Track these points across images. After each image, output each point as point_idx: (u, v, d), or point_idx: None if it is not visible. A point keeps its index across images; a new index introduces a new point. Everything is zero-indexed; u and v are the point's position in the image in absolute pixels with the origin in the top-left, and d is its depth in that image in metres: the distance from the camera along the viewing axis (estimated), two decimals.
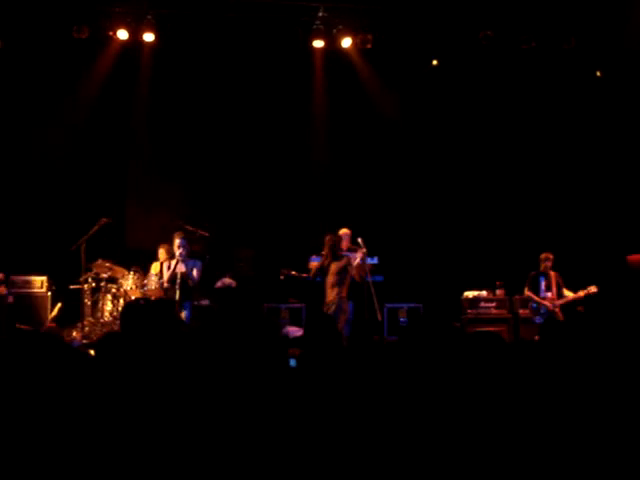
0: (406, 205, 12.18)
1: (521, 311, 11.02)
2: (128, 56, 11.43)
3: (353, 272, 9.48)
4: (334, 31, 11.38)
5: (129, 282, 10.16)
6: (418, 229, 12.08)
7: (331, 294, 9.52)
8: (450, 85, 12.05)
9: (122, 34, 11.09)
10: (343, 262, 9.51)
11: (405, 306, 10.73)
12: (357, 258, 9.65)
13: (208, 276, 10.62)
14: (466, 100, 12.09)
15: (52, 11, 10.73)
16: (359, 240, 10.06)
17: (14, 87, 11.36)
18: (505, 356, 3.24)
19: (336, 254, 9.54)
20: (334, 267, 9.50)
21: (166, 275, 9.26)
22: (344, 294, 9.57)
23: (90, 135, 11.65)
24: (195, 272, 9.23)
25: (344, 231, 10.49)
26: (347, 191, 12.07)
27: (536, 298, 10.23)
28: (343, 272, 9.48)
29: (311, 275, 9.92)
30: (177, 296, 8.98)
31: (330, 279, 9.52)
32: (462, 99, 12.08)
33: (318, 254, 10.23)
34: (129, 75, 11.65)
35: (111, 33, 11.10)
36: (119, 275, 10.37)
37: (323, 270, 9.66)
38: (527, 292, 10.37)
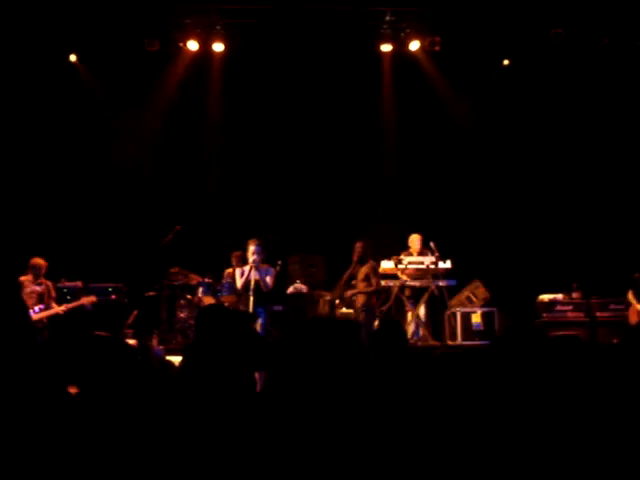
0: (479, 208, 12.00)
1: (599, 314, 10.73)
2: (198, 66, 11.63)
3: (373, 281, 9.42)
4: (401, 35, 11.36)
5: (203, 289, 10.30)
6: (491, 232, 11.88)
7: (359, 300, 9.53)
8: (522, 85, 11.85)
9: (192, 45, 11.29)
10: (367, 267, 9.48)
11: (479, 310, 10.55)
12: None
13: (280, 282, 10.69)
14: (539, 99, 11.86)
15: (124, 25, 11.00)
16: (431, 244, 9.99)
17: (89, 100, 11.67)
18: (589, 361, 3.16)
19: (364, 259, 9.52)
20: (361, 273, 9.50)
21: (239, 282, 9.30)
22: (373, 300, 9.55)
23: (164, 144, 11.90)
24: (269, 279, 9.22)
25: (414, 236, 10.48)
26: (419, 195, 11.98)
27: (633, 302, 9.93)
28: (368, 278, 9.45)
29: (342, 283, 9.94)
30: (251, 302, 9.02)
31: (359, 285, 9.53)
32: (534, 98, 11.86)
33: (390, 258, 10.20)
34: (200, 85, 11.85)
35: (182, 44, 11.34)
36: (193, 282, 10.53)
37: (353, 277, 9.69)
38: (629, 295, 10.05)
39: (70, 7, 10.49)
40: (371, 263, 9.52)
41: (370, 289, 9.42)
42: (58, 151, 11.50)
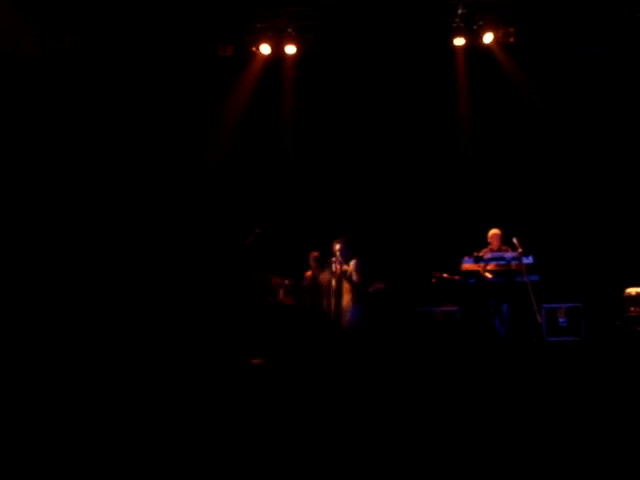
0: (559, 200, 11.73)
1: None
2: (272, 69, 11.72)
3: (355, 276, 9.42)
4: (474, 27, 11.17)
5: (284, 291, 10.40)
6: (573, 224, 11.59)
7: (345, 300, 9.50)
8: (603, 73, 11.51)
9: (265, 49, 11.38)
10: (351, 266, 9.45)
11: (564, 306, 10.30)
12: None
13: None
14: (623, 88, 11.49)
15: (197, 32, 11.19)
16: (514, 240, 9.81)
17: (166, 108, 11.89)
18: None
19: (348, 258, 9.51)
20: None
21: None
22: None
23: (240, 148, 12.04)
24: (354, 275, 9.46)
25: (494, 231, 10.34)
26: (497, 189, 11.78)
27: None
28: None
29: None
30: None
31: (345, 286, 9.54)
32: (618, 88, 11.50)
33: (470, 255, 10.06)
34: (273, 88, 11.93)
35: (254, 49, 11.44)
36: (273, 284, 10.62)
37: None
38: None
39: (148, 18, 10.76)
40: (355, 260, 9.55)
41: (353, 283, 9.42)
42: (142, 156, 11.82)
